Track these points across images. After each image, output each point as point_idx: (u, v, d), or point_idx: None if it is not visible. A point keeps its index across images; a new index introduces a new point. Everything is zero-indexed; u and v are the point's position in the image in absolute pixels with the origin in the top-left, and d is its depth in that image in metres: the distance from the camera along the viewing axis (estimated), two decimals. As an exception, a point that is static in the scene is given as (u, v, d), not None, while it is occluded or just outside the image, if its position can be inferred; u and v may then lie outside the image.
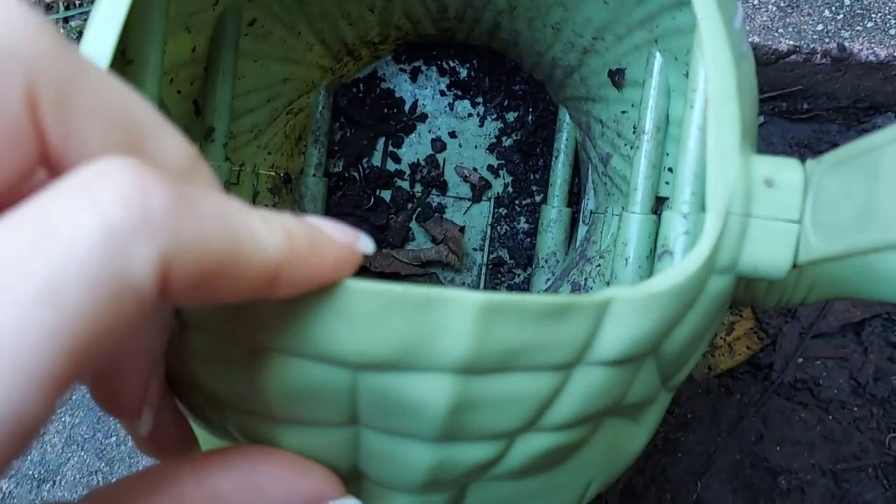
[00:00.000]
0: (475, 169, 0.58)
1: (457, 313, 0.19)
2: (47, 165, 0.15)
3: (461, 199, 0.58)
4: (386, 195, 0.58)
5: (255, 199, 0.51)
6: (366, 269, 0.56)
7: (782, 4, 0.53)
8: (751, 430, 0.56)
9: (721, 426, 0.56)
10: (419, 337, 0.19)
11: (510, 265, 0.58)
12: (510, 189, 0.58)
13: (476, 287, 0.58)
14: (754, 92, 0.27)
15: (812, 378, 0.56)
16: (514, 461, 0.23)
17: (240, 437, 0.23)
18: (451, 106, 0.58)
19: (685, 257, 0.23)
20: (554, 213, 0.55)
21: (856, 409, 0.56)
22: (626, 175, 0.44)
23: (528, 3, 0.44)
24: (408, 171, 0.58)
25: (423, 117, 0.58)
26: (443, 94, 0.58)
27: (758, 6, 0.53)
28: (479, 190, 0.58)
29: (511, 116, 0.58)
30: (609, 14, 0.39)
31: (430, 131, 0.58)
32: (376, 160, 0.58)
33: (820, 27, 0.52)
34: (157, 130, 0.17)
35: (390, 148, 0.58)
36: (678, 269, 0.22)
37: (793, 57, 0.53)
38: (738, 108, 0.24)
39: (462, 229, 0.58)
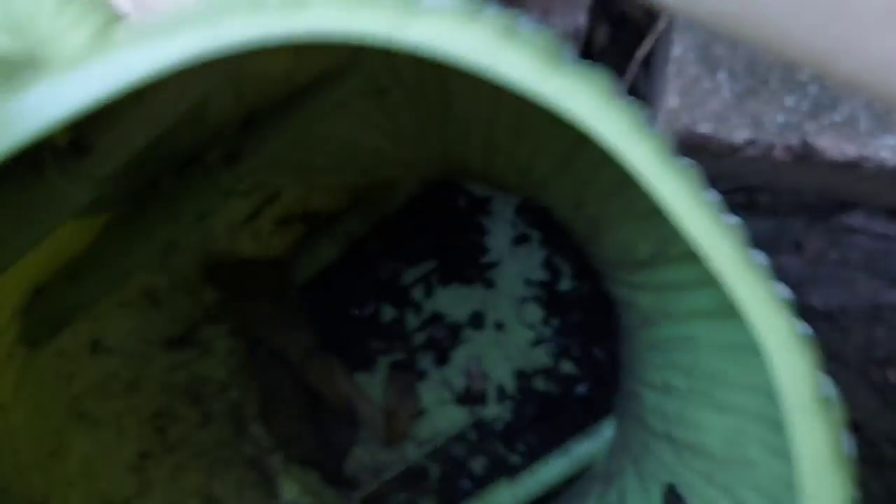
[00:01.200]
0: (487, 374, 0.48)
1: None
2: None
3: (446, 388, 0.48)
4: (387, 311, 0.49)
5: (257, 211, 0.43)
6: (297, 372, 0.46)
7: (738, 90, 0.46)
8: None
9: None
10: None
11: (433, 488, 0.48)
12: (498, 426, 0.47)
13: (363, 479, 0.48)
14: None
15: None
16: None
17: None
18: (522, 300, 0.48)
19: None
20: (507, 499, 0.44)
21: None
22: None
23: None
24: (426, 314, 0.48)
25: (490, 282, 0.48)
26: (528, 283, 0.48)
27: (710, 90, 0.46)
28: (468, 396, 0.47)
29: (567, 366, 0.47)
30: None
31: (482, 301, 0.48)
32: (410, 275, 0.49)
33: (781, 118, 0.45)
34: None
35: (433, 281, 0.49)
36: None
37: (750, 150, 0.46)
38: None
39: (420, 413, 0.47)
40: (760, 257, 0.23)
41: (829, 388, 0.22)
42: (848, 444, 0.22)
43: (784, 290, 0.23)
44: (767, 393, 0.28)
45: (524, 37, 0.19)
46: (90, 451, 0.41)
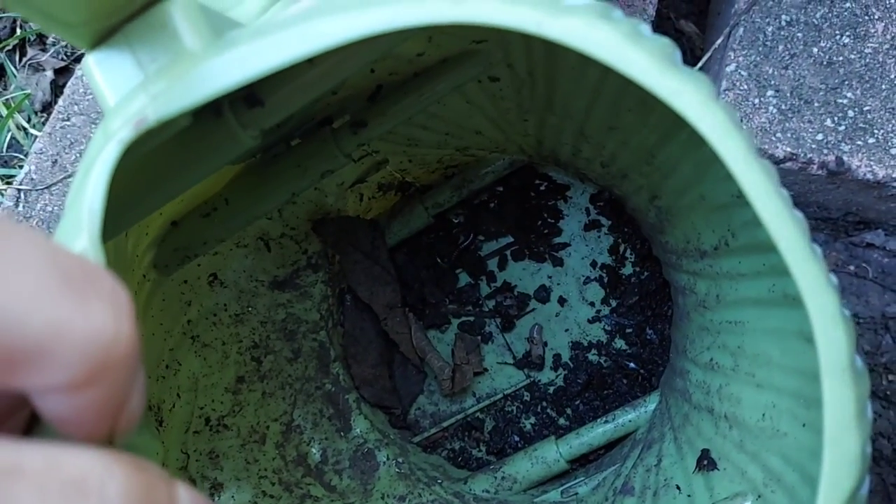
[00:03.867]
0: (546, 343, 0.52)
1: None
2: None
3: (507, 351, 0.53)
4: (463, 278, 0.54)
5: (365, 176, 0.48)
6: (379, 323, 0.51)
7: (783, 107, 0.50)
8: None
9: None
10: None
11: (484, 439, 0.52)
12: (550, 390, 0.52)
13: (424, 425, 0.53)
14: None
15: None
16: None
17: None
18: (585, 280, 0.53)
19: None
20: (552, 454, 0.49)
21: None
22: None
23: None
24: (497, 284, 0.53)
25: (559, 261, 0.53)
26: (593, 265, 0.52)
27: (758, 106, 0.50)
28: (526, 360, 0.52)
29: (620, 343, 0.52)
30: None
31: (550, 277, 0.53)
32: (488, 247, 0.53)
33: (820, 136, 0.49)
34: None
35: (508, 255, 0.53)
36: None
37: (788, 164, 0.50)
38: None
39: (482, 371, 0.52)
40: (817, 248, 0.27)
41: (862, 364, 0.26)
42: (870, 411, 0.26)
43: (834, 279, 0.27)
44: (804, 373, 0.33)
45: (647, 40, 0.23)
46: (197, 370, 0.46)
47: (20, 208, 0.61)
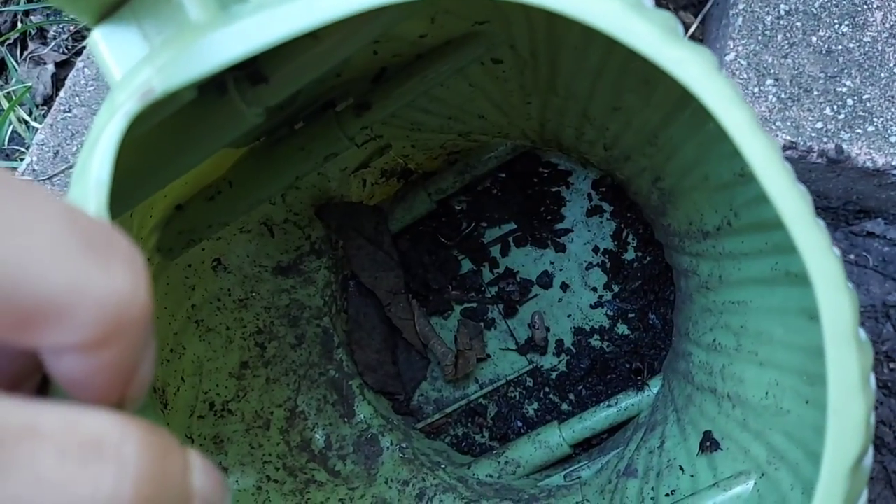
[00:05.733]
0: (548, 328, 0.53)
1: None
2: None
3: (510, 337, 0.53)
4: (465, 264, 0.54)
5: (368, 162, 0.48)
6: (383, 309, 0.51)
7: (783, 96, 0.50)
8: None
9: None
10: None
11: (488, 425, 0.52)
12: (553, 376, 0.52)
13: (428, 411, 0.53)
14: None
15: None
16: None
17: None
18: (588, 266, 0.53)
19: None
20: (555, 438, 0.49)
21: None
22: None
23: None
24: (500, 270, 0.53)
25: (562, 247, 0.53)
26: (595, 250, 0.53)
27: (757, 95, 0.50)
28: (529, 346, 0.52)
29: (623, 328, 0.52)
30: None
31: (552, 263, 0.53)
32: (490, 233, 0.54)
33: (819, 125, 0.49)
34: None
35: (511, 241, 0.53)
36: None
37: (788, 152, 0.50)
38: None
39: (485, 357, 0.52)
40: (821, 222, 0.27)
41: (865, 337, 0.26)
42: (873, 381, 0.26)
43: (837, 251, 0.27)
44: (807, 350, 0.33)
45: (649, 11, 0.23)
46: (202, 355, 0.46)
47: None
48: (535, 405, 0.52)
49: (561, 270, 0.52)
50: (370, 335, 0.51)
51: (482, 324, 0.53)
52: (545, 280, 0.52)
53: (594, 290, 0.52)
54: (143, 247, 0.40)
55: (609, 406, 0.49)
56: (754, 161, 0.23)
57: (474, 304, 0.53)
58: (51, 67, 0.81)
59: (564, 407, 0.52)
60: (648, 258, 0.51)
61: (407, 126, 0.45)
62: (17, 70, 0.81)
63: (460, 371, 0.51)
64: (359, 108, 0.40)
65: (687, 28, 0.59)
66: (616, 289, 0.52)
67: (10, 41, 0.83)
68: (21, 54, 0.83)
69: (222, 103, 0.32)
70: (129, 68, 0.25)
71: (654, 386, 0.48)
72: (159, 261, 0.42)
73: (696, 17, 0.59)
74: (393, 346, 0.52)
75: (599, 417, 0.49)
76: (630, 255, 0.52)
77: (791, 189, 0.24)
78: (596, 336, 0.52)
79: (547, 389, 0.52)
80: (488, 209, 0.53)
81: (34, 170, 0.65)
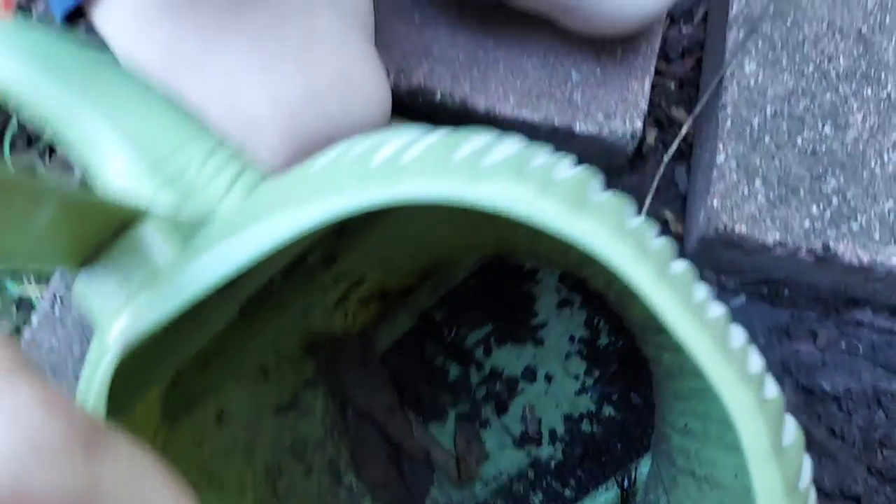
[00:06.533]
0: (540, 420, 0.55)
1: None
2: None
3: (506, 433, 0.56)
4: (453, 369, 0.57)
5: (346, 295, 0.51)
6: (382, 427, 0.54)
7: (771, 196, 0.53)
8: None
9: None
10: None
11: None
12: (552, 464, 0.55)
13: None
14: None
15: None
16: None
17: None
18: (567, 355, 0.55)
19: None
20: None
21: None
22: None
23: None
24: (486, 372, 0.56)
25: (540, 341, 0.56)
26: (571, 339, 0.55)
27: (747, 196, 0.53)
28: (525, 439, 0.55)
29: (609, 410, 0.55)
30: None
31: (534, 356, 0.56)
32: (472, 337, 0.56)
33: (807, 223, 0.52)
34: None
35: (492, 341, 0.57)
36: None
37: (778, 250, 0.53)
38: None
39: (485, 456, 0.55)
40: (740, 333, 0.30)
41: (794, 433, 0.29)
42: (806, 475, 0.29)
43: (756, 363, 0.30)
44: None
45: (557, 185, 0.26)
46: (217, 505, 0.49)
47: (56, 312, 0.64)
48: (541, 496, 0.55)
49: (542, 363, 0.55)
50: (374, 453, 0.54)
51: (477, 423, 0.56)
52: (529, 374, 0.55)
53: (576, 377, 0.55)
54: (149, 420, 0.43)
55: (607, 489, 0.51)
56: (660, 312, 0.26)
57: (467, 407, 0.56)
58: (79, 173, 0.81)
59: (567, 493, 0.54)
60: (621, 341, 0.54)
61: (377, 260, 0.49)
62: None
63: (464, 474, 0.54)
64: (328, 261, 0.43)
65: (679, 126, 0.62)
66: (596, 374, 0.55)
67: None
68: (50, 159, 0.84)
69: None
70: (111, 309, 0.29)
71: (645, 465, 0.51)
72: (167, 429, 0.45)
73: (688, 113, 0.62)
74: (397, 460, 0.55)
75: (600, 502, 0.51)
76: (604, 340, 0.55)
77: (697, 327, 0.27)
78: (585, 420, 0.54)
79: (548, 478, 0.55)
80: (466, 315, 0.56)
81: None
